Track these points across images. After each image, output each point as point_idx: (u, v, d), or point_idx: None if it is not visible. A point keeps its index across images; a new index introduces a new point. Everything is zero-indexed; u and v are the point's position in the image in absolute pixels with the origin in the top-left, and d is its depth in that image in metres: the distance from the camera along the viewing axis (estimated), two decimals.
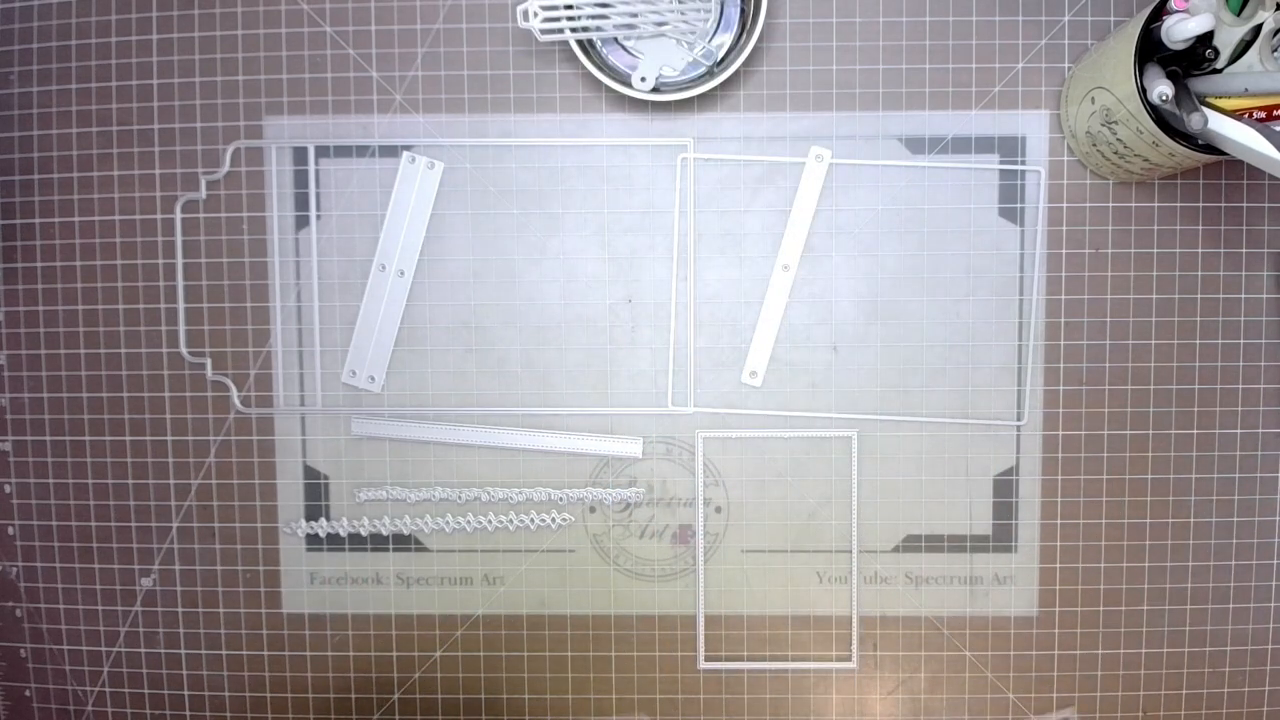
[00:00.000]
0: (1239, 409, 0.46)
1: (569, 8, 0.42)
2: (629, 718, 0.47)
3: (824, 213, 0.46)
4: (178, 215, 0.47)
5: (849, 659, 0.47)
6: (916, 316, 0.46)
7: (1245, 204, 0.45)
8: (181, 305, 0.47)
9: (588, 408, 0.46)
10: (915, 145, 0.46)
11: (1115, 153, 0.42)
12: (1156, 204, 0.46)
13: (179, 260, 0.47)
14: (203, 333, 0.47)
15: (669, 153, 0.46)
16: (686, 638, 0.47)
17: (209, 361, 0.47)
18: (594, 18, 0.42)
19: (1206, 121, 0.36)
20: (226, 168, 0.46)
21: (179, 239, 0.47)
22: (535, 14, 0.41)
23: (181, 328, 0.47)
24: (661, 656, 0.47)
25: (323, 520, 0.47)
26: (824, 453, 0.46)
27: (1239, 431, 0.46)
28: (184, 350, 0.47)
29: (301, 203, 0.46)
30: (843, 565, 0.47)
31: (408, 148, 0.46)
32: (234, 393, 0.47)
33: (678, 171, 0.46)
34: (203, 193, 0.46)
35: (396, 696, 0.48)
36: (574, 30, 0.42)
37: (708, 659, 0.47)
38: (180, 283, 0.47)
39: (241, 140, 0.46)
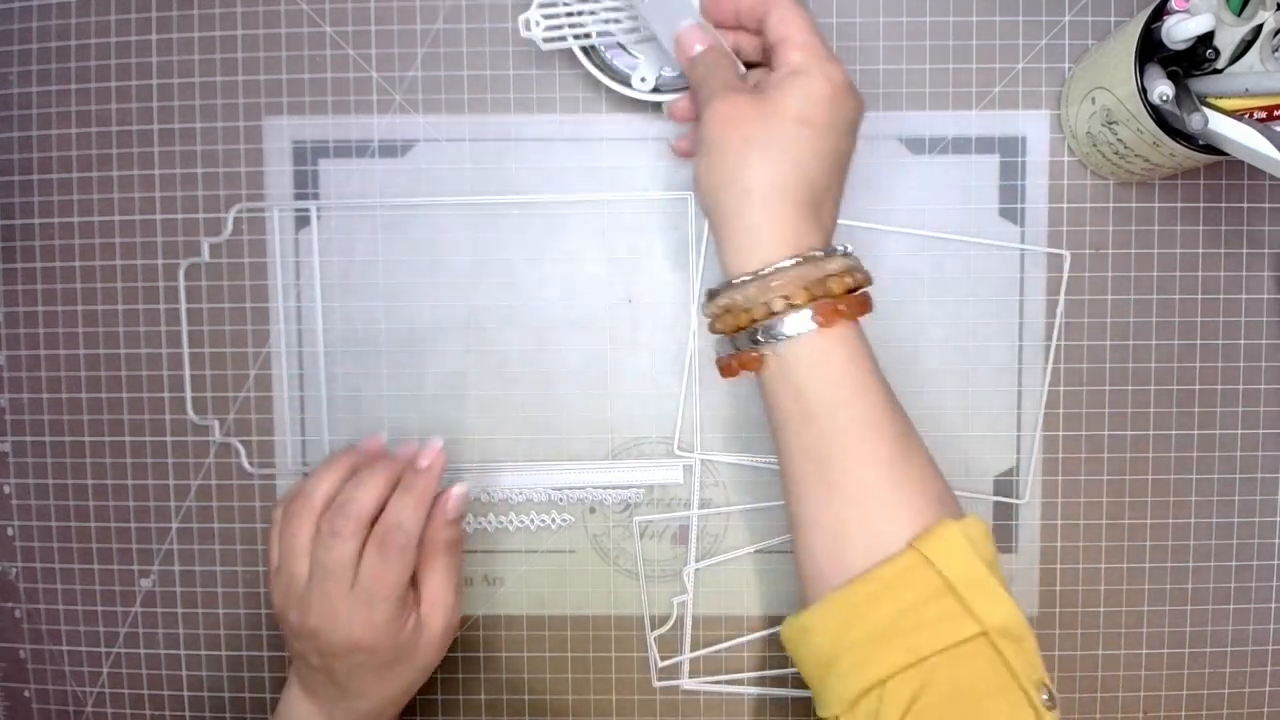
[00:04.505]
0: (1239, 409, 0.46)
1: (570, 15, 0.41)
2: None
3: None
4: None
5: None
6: (916, 316, 0.46)
7: (1245, 204, 0.45)
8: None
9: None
10: (915, 145, 0.46)
11: (1115, 153, 0.42)
12: (1156, 204, 0.46)
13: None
14: (203, 333, 0.47)
15: (669, 152, 0.46)
16: (685, 638, 0.47)
17: (209, 362, 0.47)
18: (601, 32, 0.42)
19: (1207, 122, 0.36)
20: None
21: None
22: (537, 23, 0.41)
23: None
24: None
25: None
26: None
27: (1239, 431, 0.46)
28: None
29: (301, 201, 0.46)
30: None
31: (408, 147, 0.46)
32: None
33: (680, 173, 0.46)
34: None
35: None
36: (577, 38, 0.42)
37: (691, 674, 0.47)
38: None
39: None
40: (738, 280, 0.35)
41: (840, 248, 0.36)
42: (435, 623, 0.40)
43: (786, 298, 0.34)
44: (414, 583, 0.40)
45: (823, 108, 0.35)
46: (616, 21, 0.42)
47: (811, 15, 0.37)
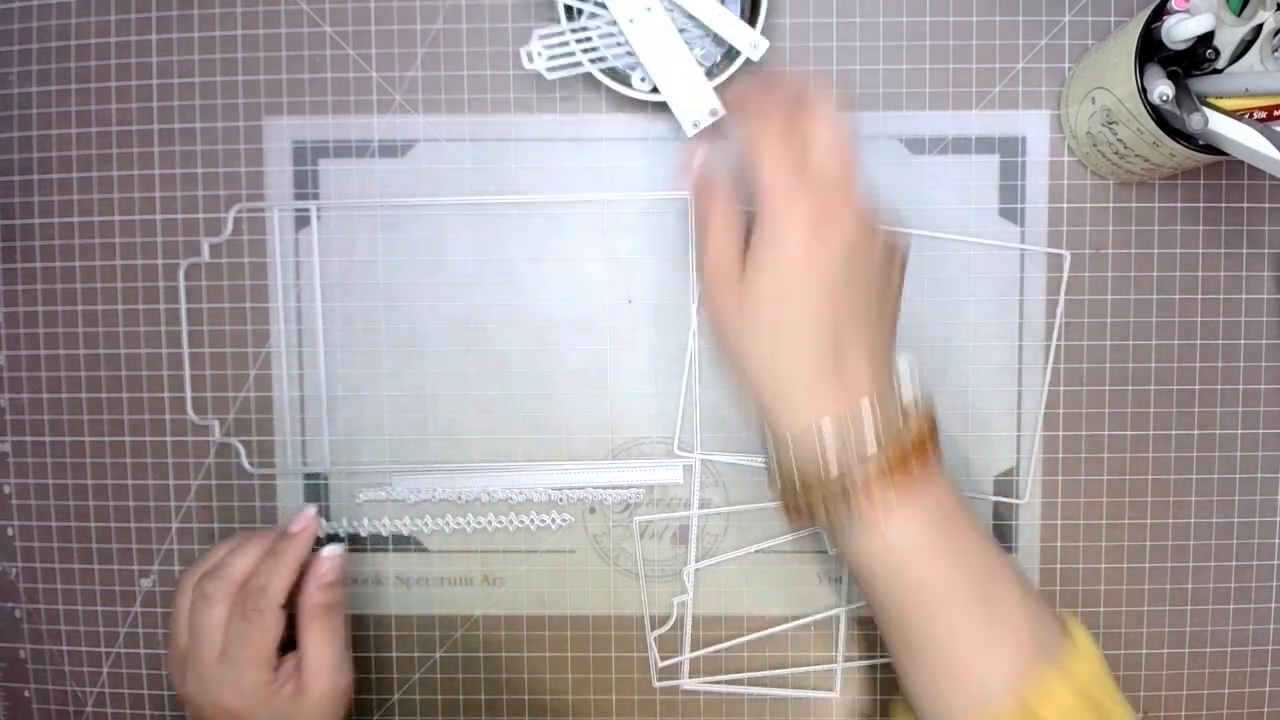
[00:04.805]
0: (1239, 409, 0.46)
1: (580, 40, 0.41)
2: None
3: None
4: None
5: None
6: (916, 316, 0.46)
7: (1245, 204, 0.46)
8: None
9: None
10: (915, 145, 0.46)
11: (1115, 153, 0.42)
12: (1156, 204, 0.46)
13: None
14: (203, 333, 0.47)
15: (669, 152, 0.46)
16: (685, 638, 0.47)
17: (209, 362, 0.47)
18: (600, 57, 0.42)
19: (1207, 122, 0.36)
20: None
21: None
22: (539, 54, 0.41)
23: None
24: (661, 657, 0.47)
25: (322, 520, 0.47)
26: None
27: (1239, 431, 0.46)
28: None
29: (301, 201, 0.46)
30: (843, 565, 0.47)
31: (408, 147, 0.46)
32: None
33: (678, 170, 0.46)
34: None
35: (396, 697, 0.48)
36: (592, 61, 0.42)
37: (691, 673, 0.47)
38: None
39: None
40: (769, 457, 0.35)
41: (892, 391, 0.33)
42: (315, 689, 0.39)
43: (807, 498, 0.33)
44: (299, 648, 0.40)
45: (797, 270, 0.32)
46: (617, 44, 0.42)
47: (777, 149, 0.34)
